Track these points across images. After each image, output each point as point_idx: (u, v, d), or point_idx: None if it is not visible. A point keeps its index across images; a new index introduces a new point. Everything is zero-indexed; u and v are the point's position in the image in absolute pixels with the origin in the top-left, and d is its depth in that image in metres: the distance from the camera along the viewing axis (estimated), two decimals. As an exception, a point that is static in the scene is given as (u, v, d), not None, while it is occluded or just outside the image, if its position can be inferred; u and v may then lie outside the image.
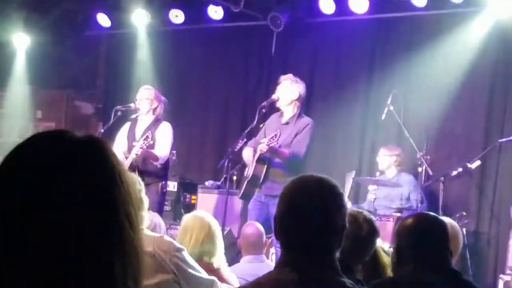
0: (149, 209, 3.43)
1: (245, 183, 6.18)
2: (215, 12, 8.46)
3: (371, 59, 8.05)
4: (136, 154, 6.15)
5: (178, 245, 3.22)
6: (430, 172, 6.70)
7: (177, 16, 8.73)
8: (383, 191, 7.01)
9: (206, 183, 7.83)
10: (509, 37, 7.08)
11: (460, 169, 6.75)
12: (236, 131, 7.98)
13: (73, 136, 1.10)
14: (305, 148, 6.07)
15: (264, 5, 8.17)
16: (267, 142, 5.92)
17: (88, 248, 1.03)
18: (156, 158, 6.35)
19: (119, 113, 6.86)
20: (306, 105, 7.11)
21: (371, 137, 7.94)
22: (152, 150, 6.32)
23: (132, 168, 6.15)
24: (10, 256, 1.01)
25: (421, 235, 2.86)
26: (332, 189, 2.04)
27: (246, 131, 6.33)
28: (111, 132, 6.85)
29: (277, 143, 5.96)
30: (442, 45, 7.44)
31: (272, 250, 6.26)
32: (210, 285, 3.30)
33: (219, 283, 3.38)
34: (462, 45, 7.25)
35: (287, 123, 6.21)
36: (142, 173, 5.94)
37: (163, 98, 6.73)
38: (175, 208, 7.97)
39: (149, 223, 3.86)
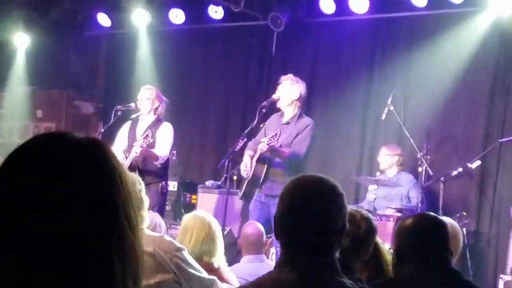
0: (149, 209, 3.43)
1: (245, 183, 6.19)
2: (216, 12, 8.46)
3: (371, 59, 8.05)
4: (136, 153, 6.16)
5: (178, 244, 3.22)
6: (430, 172, 6.70)
7: (177, 16, 8.74)
8: (383, 191, 7.01)
9: (207, 183, 7.83)
10: (510, 36, 7.08)
11: (460, 169, 6.74)
12: (236, 131, 7.97)
13: (73, 137, 1.11)
14: (306, 148, 6.07)
15: (264, 5, 8.17)
16: (267, 142, 5.93)
17: (88, 248, 1.03)
18: (156, 158, 6.35)
19: (119, 113, 6.87)
20: (306, 105, 7.11)
21: (371, 137, 7.93)
22: (152, 150, 6.32)
23: (132, 167, 6.15)
24: (11, 255, 1.02)
25: (421, 236, 2.86)
26: (332, 189, 2.04)
27: (246, 131, 6.33)
28: (111, 132, 6.86)
29: (277, 142, 5.96)
30: (442, 45, 7.44)
31: (272, 250, 6.26)
32: (210, 284, 3.30)
33: (219, 282, 3.38)
34: (462, 45, 7.26)
35: (287, 123, 6.21)
36: (142, 173, 5.94)
37: (164, 98, 6.73)
38: (176, 207, 7.97)
39: (150, 223, 3.85)
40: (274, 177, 6.00)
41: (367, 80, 8.01)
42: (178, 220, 6.98)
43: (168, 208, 7.68)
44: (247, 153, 6.21)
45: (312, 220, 2.00)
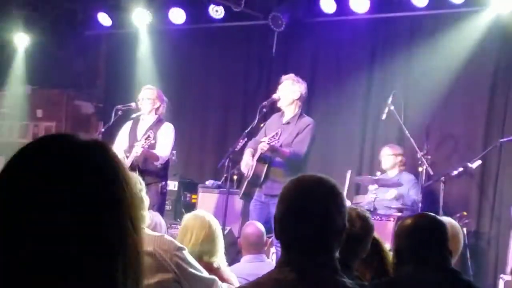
0: (149, 208, 3.44)
1: (246, 182, 6.19)
2: (216, 12, 8.46)
3: (371, 59, 8.05)
4: (137, 153, 6.16)
5: (178, 244, 3.22)
6: (431, 172, 6.70)
7: (177, 15, 8.74)
8: (383, 190, 7.01)
9: (207, 182, 7.84)
10: (510, 37, 7.08)
11: (460, 169, 6.74)
12: (236, 131, 7.97)
13: (77, 139, 1.11)
14: (306, 148, 6.08)
15: (265, 5, 8.17)
16: (268, 141, 5.93)
17: (91, 249, 1.03)
18: (157, 158, 6.35)
19: (119, 113, 6.87)
20: (307, 104, 7.11)
21: (371, 137, 7.94)
22: (153, 150, 6.32)
23: (133, 167, 6.15)
24: (14, 256, 1.02)
25: (421, 236, 2.86)
26: (331, 189, 2.04)
27: (246, 131, 6.33)
28: (112, 132, 6.86)
29: (278, 142, 5.96)
30: (442, 44, 7.44)
31: (273, 249, 6.26)
32: (210, 284, 3.30)
33: (219, 282, 3.38)
34: (462, 45, 7.26)
35: (288, 123, 6.21)
36: (143, 173, 5.95)
37: (165, 98, 6.73)
38: (176, 207, 7.98)
39: (150, 222, 3.86)
40: (274, 176, 6.00)
41: (367, 80, 8.01)
42: (179, 220, 6.98)
43: (168, 207, 7.69)
44: (248, 151, 6.21)
45: (312, 220, 2.00)
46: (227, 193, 6.44)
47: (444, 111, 7.46)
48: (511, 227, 6.46)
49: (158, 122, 6.58)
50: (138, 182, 3.18)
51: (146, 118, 6.61)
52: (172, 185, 7.91)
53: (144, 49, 9.19)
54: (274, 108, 6.48)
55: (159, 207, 6.34)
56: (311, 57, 8.45)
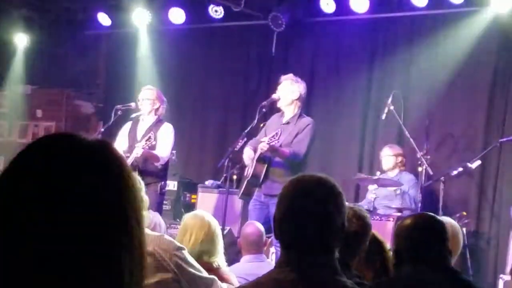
0: (148, 208, 3.44)
1: (245, 182, 6.19)
2: (216, 12, 8.46)
3: (371, 59, 8.05)
4: (138, 154, 6.16)
5: (178, 244, 3.22)
6: (431, 172, 6.70)
7: (177, 15, 8.74)
8: (383, 190, 7.01)
9: (206, 182, 7.84)
10: (509, 37, 7.08)
11: (460, 169, 6.74)
12: (236, 131, 7.97)
13: (82, 139, 1.10)
14: (306, 148, 6.07)
15: (264, 5, 8.18)
16: (268, 141, 5.93)
17: (95, 250, 1.03)
18: (157, 159, 6.36)
19: (119, 113, 6.87)
20: (306, 104, 7.11)
21: (371, 137, 7.94)
22: (154, 151, 6.33)
23: (133, 167, 6.15)
24: (15, 255, 1.01)
25: (420, 236, 2.86)
26: (331, 189, 2.04)
27: (246, 131, 6.33)
28: (111, 132, 6.86)
29: (278, 142, 5.96)
30: (442, 44, 7.44)
31: (272, 249, 6.26)
32: (210, 284, 3.30)
33: (219, 282, 3.38)
34: (462, 45, 7.26)
35: (287, 123, 6.21)
36: (142, 173, 5.95)
37: (165, 98, 6.73)
38: (175, 207, 7.98)
39: (149, 222, 3.87)
40: (274, 176, 5.99)
41: (367, 80, 8.01)
42: (178, 220, 6.98)
43: (168, 207, 7.69)
44: (248, 147, 6.21)
45: (312, 220, 2.00)
46: (226, 193, 6.44)
47: (444, 111, 7.46)
48: (511, 227, 6.46)
49: (158, 123, 6.58)
50: (137, 182, 3.18)
51: (146, 118, 6.62)
52: (172, 185, 7.91)
53: (144, 49, 9.19)
54: (273, 108, 6.48)
55: (158, 207, 6.34)
56: (311, 57, 8.45)
